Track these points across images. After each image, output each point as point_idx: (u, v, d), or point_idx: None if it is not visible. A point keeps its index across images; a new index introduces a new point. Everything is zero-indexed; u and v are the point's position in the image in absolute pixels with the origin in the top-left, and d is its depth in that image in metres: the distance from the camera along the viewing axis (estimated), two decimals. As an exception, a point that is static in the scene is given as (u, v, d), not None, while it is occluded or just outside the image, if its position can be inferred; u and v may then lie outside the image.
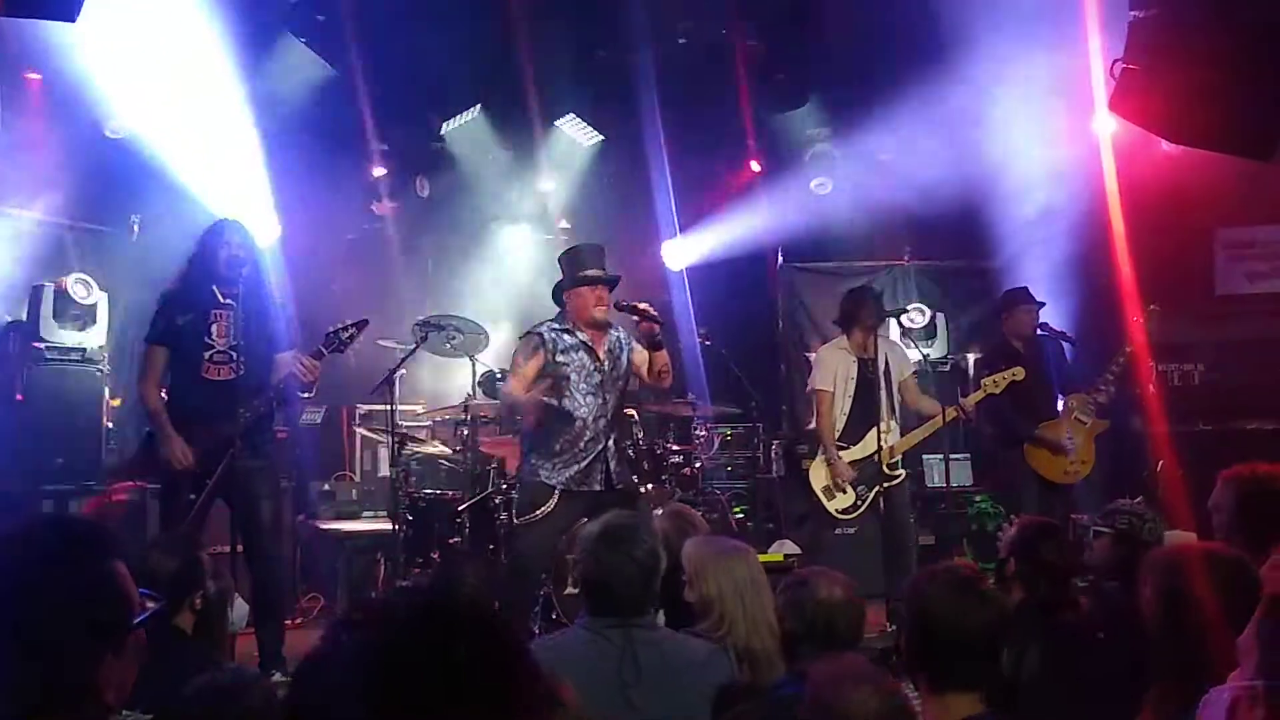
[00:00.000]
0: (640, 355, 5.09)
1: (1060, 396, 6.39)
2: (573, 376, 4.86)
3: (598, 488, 4.84)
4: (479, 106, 8.07)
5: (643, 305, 4.86)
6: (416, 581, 6.07)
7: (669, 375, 5.03)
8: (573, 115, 8.10)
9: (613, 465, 4.94)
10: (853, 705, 1.96)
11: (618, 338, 5.06)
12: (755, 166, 8.56)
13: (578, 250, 5.11)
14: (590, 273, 4.92)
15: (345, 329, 4.65)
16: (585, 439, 4.85)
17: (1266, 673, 1.41)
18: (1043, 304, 6.54)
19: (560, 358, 4.87)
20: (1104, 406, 6.31)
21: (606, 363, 4.96)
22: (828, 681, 2.03)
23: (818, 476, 6.09)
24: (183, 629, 2.97)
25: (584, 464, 4.84)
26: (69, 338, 6.50)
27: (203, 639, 2.97)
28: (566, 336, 4.92)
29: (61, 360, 6.47)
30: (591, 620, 2.85)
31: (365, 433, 7.30)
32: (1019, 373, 6.01)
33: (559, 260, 5.11)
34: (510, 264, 8.95)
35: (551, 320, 5.02)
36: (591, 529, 2.97)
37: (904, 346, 6.58)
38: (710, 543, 3.15)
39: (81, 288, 6.57)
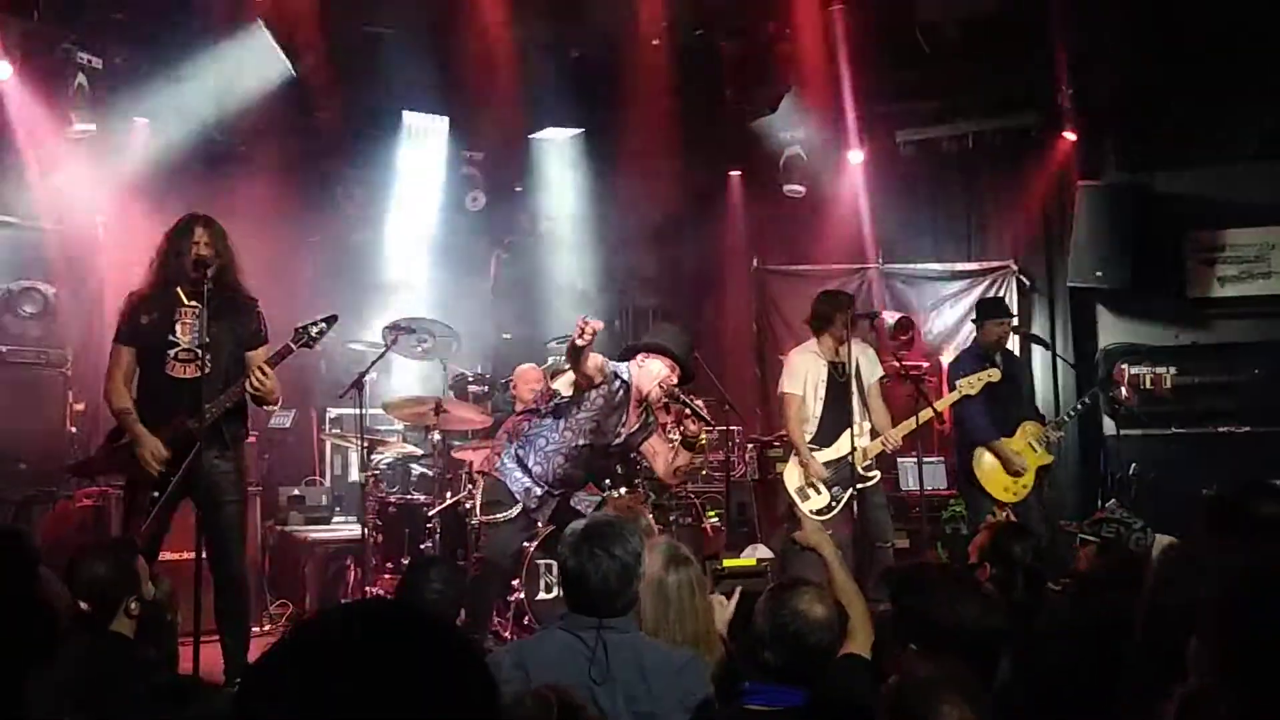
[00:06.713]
0: (658, 445, 4.90)
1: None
2: (582, 415, 4.73)
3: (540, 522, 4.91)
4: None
5: (698, 402, 4.78)
6: (385, 588, 5.99)
7: (683, 477, 4.95)
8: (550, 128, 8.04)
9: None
10: (939, 716, 1.87)
11: (622, 395, 4.75)
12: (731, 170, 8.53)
13: (666, 325, 4.99)
14: (672, 349, 4.69)
15: (314, 324, 4.56)
16: (555, 476, 4.81)
17: (1214, 673, 1.37)
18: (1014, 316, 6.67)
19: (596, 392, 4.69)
20: (1054, 444, 6.41)
21: (610, 418, 4.76)
22: (917, 686, 1.94)
23: (791, 478, 6.05)
24: (123, 635, 2.88)
25: (541, 493, 4.82)
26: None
27: (148, 646, 2.88)
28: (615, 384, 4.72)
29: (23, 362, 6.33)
30: (570, 619, 2.81)
31: (334, 439, 7.19)
32: (994, 374, 6.01)
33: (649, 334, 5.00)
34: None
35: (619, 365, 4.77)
36: (576, 525, 2.92)
37: (874, 352, 6.51)
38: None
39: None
